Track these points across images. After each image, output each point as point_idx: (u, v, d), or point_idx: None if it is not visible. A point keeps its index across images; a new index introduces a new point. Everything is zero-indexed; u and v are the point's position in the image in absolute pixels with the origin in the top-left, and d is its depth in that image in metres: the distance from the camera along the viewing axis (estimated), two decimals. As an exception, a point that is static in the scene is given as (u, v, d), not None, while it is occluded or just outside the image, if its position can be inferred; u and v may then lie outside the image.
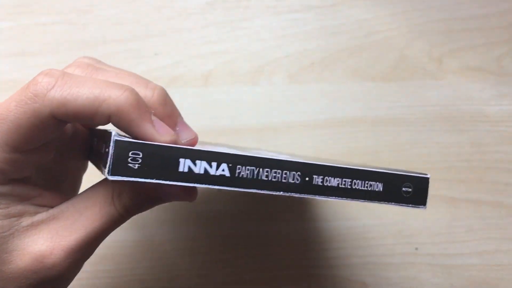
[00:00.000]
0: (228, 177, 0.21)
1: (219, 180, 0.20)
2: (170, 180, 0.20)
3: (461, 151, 0.38)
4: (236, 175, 0.21)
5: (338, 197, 0.22)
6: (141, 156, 0.20)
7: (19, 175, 0.22)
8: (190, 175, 0.20)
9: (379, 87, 0.39)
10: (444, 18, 0.40)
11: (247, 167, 0.21)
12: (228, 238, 0.37)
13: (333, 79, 0.39)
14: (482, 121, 0.38)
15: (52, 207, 0.23)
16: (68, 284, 0.23)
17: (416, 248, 0.37)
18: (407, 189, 0.23)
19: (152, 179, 0.20)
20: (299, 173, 0.22)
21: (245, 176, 0.21)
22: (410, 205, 0.23)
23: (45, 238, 0.21)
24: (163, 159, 0.20)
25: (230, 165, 0.21)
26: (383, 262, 0.37)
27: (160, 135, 0.21)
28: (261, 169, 0.21)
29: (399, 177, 0.23)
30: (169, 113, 0.23)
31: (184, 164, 0.20)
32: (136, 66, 0.39)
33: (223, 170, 0.20)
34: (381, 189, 0.23)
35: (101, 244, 0.37)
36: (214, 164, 0.20)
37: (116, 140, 0.19)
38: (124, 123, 0.20)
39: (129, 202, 0.22)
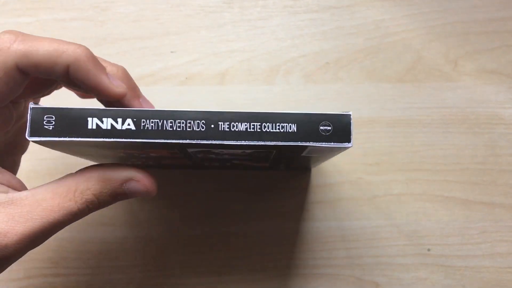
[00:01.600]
0: (133, 130, 0.22)
1: (125, 133, 0.22)
2: (80, 137, 0.22)
3: (476, 153, 0.38)
4: (141, 128, 0.22)
5: (248, 140, 0.22)
6: (54, 118, 0.22)
7: None
8: (98, 131, 0.22)
9: (395, 88, 0.39)
10: (461, 21, 0.40)
11: (152, 120, 0.22)
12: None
13: (349, 80, 0.39)
14: (497, 124, 0.38)
15: (7, 188, 0.24)
16: (9, 265, 0.23)
17: (429, 249, 0.37)
18: (326, 127, 0.23)
19: (65, 137, 0.22)
20: (203, 121, 0.22)
21: (150, 128, 0.22)
22: (332, 143, 0.23)
23: (1, 220, 0.22)
24: (73, 120, 0.22)
25: (135, 119, 0.22)
26: (395, 262, 0.37)
27: (115, 86, 0.24)
28: (165, 121, 0.22)
29: (314, 116, 0.23)
30: (132, 86, 0.26)
31: (92, 122, 0.22)
32: (153, 63, 0.39)
33: (128, 125, 0.22)
34: (295, 130, 0.23)
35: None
36: (119, 120, 0.22)
37: (32, 107, 0.22)
38: (81, 73, 0.23)
39: (92, 198, 0.23)
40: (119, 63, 0.39)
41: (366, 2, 0.40)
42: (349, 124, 0.23)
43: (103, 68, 0.24)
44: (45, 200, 0.23)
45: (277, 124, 0.23)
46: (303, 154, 0.26)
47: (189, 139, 0.22)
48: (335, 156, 0.37)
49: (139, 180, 0.24)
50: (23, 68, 0.22)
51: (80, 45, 0.23)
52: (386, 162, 0.38)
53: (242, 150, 0.25)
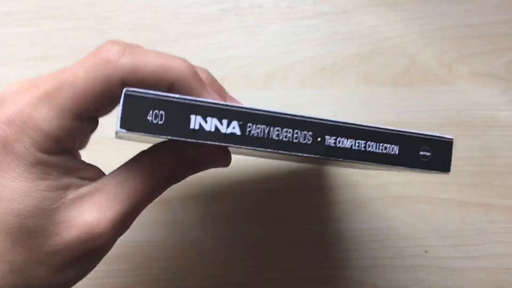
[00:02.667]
0: (238, 135, 0.20)
1: (229, 138, 0.20)
2: (180, 137, 0.20)
3: (471, 155, 0.39)
4: (247, 133, 0.21)
5: (352, 159, 0.22)
6: (154, 111, 0.20)
7: (72, 144, 0.22)
8: (200, 133, 0.20)
9: (390, 92, 0.39)
10: (455, 25, 0.40)
11: (258, 125, 0.21)
12: (238, 239, 0.37)
13: (345, 84, 0.40)
14: (492, 126, 0.39)
15: (93, 180, 0.23)
16: (104, 255, 0.24)
17: (426, 251, 0.37)
18: (425, 153, 0.22)
19: (163, 135, 0.20)
20: (310, 133, 0.21)
21: (255, 134, 0.21)
22: (431, 170, 0.22)
23: (91, 209, 0.22)
24: (174, 115, 0.20)
25: (241, 123, 0.21)
26: (393, 264, 0.37)
27: None
28: (272, 128, 0.21)
29: (417, 139, 0.22)
30: (218, 90, 0.25)
31: (195, 121, 0.20)
32: (153, 70, 0.40)
33: (233, 128, 0.20)
34: (396, 152, 0.22)
35: (115, 244, 0.38)
36: (224, 121, 0.20)
37: (129, 93, 0.19)
38: (185, 90, 0.21)
39: (170, 172, 0.23)
40: (119, 71, 0.40)
41: (360, 8, 0.41)
42: (450, 151, 0.22)
43: (204, 85, 0.22)
44: (128, 180, 0.22)
45: (381, 144, 0.22)
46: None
47: (295, 152, 0.21)
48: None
49: (212, 153, 0.24)
50: (127, 83, 0.20)
51: (184, 60, 0.22)
52: (382, 165, 0.38)
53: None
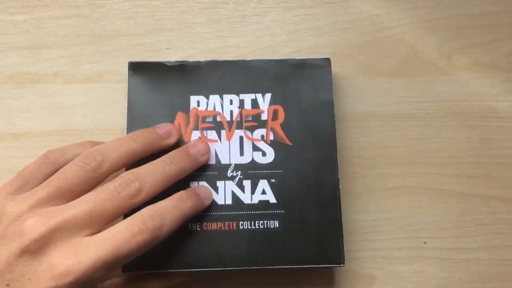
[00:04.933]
0: None
1: None
2: None
3: (470, 146, 0.38)
4: None
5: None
6: None
7: None
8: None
9: (389, 82, 0.39)
10: (454, 15, 0.40)
11: None
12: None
13: (344, 74, 0.39)
14: (491, 117, 0.39)
15: None
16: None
17: (425, 242, 0.37)
18: None
19: None
20: None
21: None
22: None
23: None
24: None
25: None
26: (392, 255, 0.37)
27: None
28: None
29: None
30: None
31: None
32: (149, 59, 0.39)
33: None
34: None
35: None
36: None
37: None
38: None
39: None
40: (115, 60, 0.39)
41: (360, -3, 0.40)
42: None
43: None
44: None
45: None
46: None
47: None
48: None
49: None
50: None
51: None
52: (381, 156, 0.38)
53: None
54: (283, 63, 0.37)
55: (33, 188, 0.30)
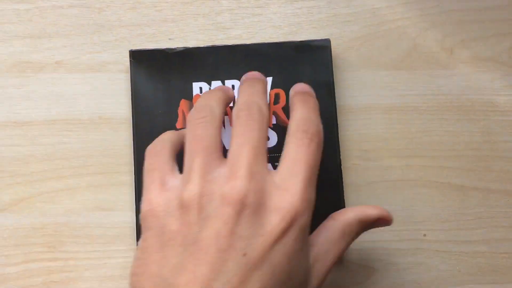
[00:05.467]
0: None
1: None
2: None
3: (471, 140, 0.38)
4: None
5: None
6: None
7: None
8: None
9: (391, 76, 0.39)
10: (457, 9, 0.40)
11: None
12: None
13: (346, 67, 0.39)
14: (492, 111, 0.39)
15: None
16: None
17: (424, 235, 0.37)
18: None
19: None
20: None
21: None
22: None
23: None
24: None
25: None
26: (391, 247, 0.37)
27: None
28: None
29: None
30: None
31: None
32: (151, 50, 0.39)
33: None
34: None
35: (113, 225, 0.38)
36: None
37: None
38: None
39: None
40: (117, 50, 0.39)
41: (362, -10, 0.40)
42: None
43: None
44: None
45: None
46: None
47: None
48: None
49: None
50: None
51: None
52: (382, 148, 0.38)
53: None
54: (283, 46, 0.37)
55: (167, 174, 0.29)
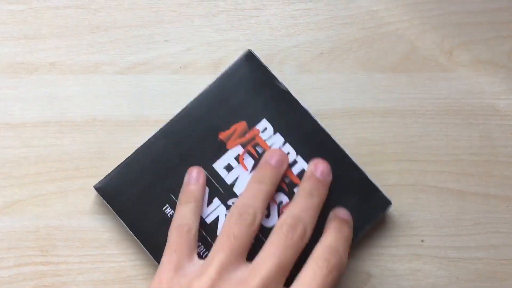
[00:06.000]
0: None
1: None
2: None
3: (470, 144, 0.38)
4: None
5: None
6: None
7: None
8: None
9: (389, 78, 0.39)
10: (455, 11, 0.40)
11: None
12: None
13: (343, 70, 0.39)
14: (492, 115, 0.38)
15: None
16: None
17: (422, 240, 0.37)
18: None
19: None
20: None
21: None
22: None
23: None
24: None
25: None
26: (388, 253, 0.37)
27: None
28: None
29: None
30: None
31: None
32: (147, 51, 0.39)
33: None
34: None
35: (106, 229, 0.38)
36: None
37: None
38: None
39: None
40: (113, 51, 0.39)
41: (360, -8, 0.40)
42: None
43: None
44: None
45: None
46: None
47: None
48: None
49: None
50: None
51: None
52: (379, 152, 0.38)
53: None
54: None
55: (184, 259, 0.31)
